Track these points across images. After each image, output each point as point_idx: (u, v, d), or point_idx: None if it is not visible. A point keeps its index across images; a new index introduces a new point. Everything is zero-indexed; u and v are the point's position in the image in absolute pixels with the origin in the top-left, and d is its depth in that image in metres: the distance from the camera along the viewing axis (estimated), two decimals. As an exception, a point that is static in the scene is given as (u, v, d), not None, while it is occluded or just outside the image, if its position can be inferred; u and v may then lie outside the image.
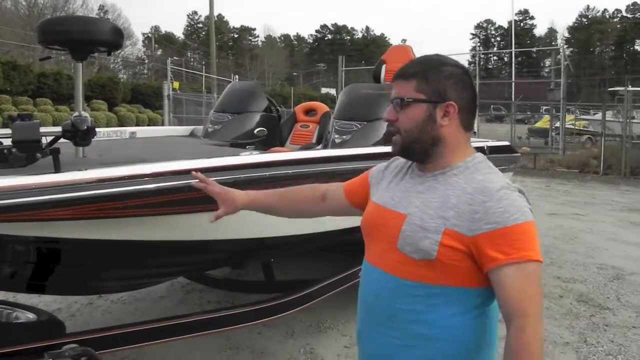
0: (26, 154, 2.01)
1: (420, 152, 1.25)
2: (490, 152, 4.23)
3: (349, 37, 78.92)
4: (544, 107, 22.84)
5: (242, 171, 2.30)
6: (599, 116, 16.81)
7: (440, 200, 1.18)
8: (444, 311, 1.16)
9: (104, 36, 2.47)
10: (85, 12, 42.06)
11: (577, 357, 3.14)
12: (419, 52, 5.12)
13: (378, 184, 1.39)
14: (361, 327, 1.31)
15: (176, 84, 16.72)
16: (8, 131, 2.06)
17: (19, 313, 2.45)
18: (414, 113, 1.23)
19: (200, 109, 17.82)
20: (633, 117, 13.60)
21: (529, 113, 25.30)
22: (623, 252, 5.56)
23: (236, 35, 74.79)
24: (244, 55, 64.62)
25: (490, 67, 68.04)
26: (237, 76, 21.35)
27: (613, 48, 65.88)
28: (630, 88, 13.18)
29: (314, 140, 4.51)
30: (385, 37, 76.61)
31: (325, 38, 79.19)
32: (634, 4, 64.24)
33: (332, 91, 35.97)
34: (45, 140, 2.10)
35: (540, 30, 72.68)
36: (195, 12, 72.69)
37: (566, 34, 67.74)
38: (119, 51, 20.30)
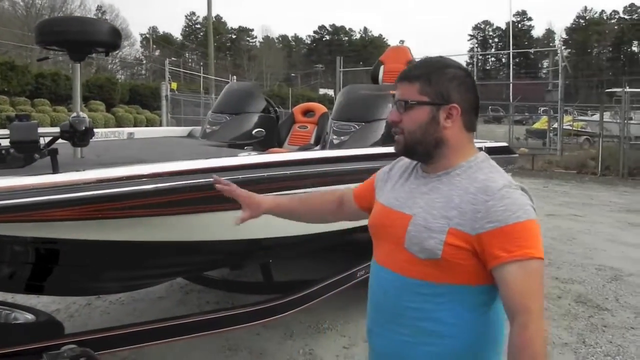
0: (24, 154, 2.00)
1: (423, 153, 1.27)
2: (488, 153, 4.20)
3: (346, 38, 78.92)
4: (542, 108, 22.92)
5: (240, 172, 2.30)
6: (596, 117, 16.87)
7: (443, 201, 1.19)
8: (451, 308, 1.18)
9: (102, 37, 2.47)
10: (83, 13, 42.06)
11: (576, 358, 3.14)
12: (416, 53, 5.15)
13: (384, 186, 1.40)
14: (371, 325, 1.33)
15: (174, 85, 16.69)
16: (6, 132, 2.05)
17: (18, 314, 2.45)
18: (418, 115, 1.24)
19: (198, 109, 17.79)
20: (630, 118, 13.67)
21: (526, 114, 25.40)
22: (621, 253, 5.57)
23: (234, 36, 74.76)
24: (241, 56, 64.68)
25: (488, 68, 68.21)
26: (235, 77, 21.31)
27: (610, 49, 66.00)
28: (627, 89, 13.20)
29: (312, 141, 4.51)
30: (383, 38, 76.76)
31: (323, 39, 79.19)
32: (632, 5, 64.44)
33: (330, 92, 35.93)
34: (43, 141, 2.09)
35: (538, 32, 72.96)
36: (193, 13, 72.85)
37: (564, 35, 67.80)
38: (116, 52, 20.24)
